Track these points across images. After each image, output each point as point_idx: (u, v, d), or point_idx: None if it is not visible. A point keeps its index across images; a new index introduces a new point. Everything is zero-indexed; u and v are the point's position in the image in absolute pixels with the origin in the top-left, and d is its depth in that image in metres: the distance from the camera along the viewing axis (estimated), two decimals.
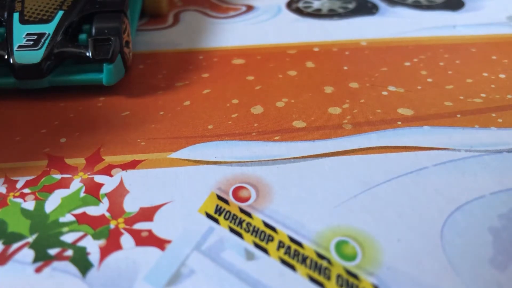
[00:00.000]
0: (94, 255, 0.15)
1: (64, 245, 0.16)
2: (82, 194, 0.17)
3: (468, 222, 0.16)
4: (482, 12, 0.31)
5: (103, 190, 0.18)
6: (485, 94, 0.22)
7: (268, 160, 0.19)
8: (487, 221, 0.16)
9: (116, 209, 0.17)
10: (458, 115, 0.21)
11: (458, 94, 0.23)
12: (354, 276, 0.15)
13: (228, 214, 0.17)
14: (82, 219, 0.17)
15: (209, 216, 0.17)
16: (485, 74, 0.24)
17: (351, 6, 0.32)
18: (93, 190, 0.18)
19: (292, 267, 0.15)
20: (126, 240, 0.16)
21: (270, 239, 0.16)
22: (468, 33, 0.28)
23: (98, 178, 0.18)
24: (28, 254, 0.15)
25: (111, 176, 0.18)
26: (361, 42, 0.28)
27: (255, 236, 0.16)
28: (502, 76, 0.24)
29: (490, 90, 0.23)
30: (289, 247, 0.16)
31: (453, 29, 0.29)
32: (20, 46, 0.21)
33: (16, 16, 0.23)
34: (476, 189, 0.17)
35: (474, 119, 0.21)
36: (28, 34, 0.22)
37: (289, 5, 0.32)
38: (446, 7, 0.32)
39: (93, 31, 0.22)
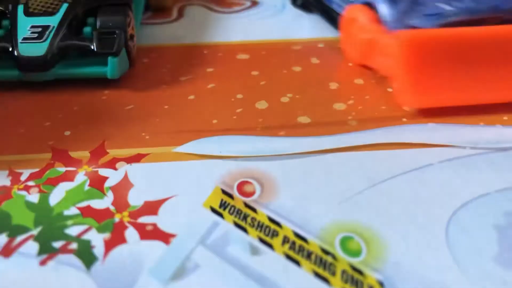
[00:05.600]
0: (98, 249, 0.15)
1: (69, 238, 0.16)
2: (86, 187, 0.17)
3: (473, 219, 0.16)
4: None
5: (107, 184, 0.18)
6: None
7: (272, 155, 0.19)
8: (492, 218, 0.16)
9: (120, 203, 0.17)
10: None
11: None
12: (359, 272, 0.15)
13: (232, 208, 0.17)
14: (87, 212, 0.17)
15: (213, 210, 0.17)
16: None
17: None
18: (97, 183, 0.18)
19: (297, 263, 0.15)
20: (131, 233, 0.16)
21: (275, 234, 0.16)
22: None
23: (103, 171, 0.18)
24: (32, 246, 0.15)
25: (116, 169, 0.18)
26: None
27: (260, 231, 0.16)
28: None
29: None
30: (294, 243, 0.16)
31: None
32: (24, 39, 0.21)
33: (20, 8, 0.23)
34: (481, 186, 0.17)
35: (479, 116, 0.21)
36: (32, 27, 0.22)
37: (293, 1, 0.32)
38: None
39: (98, 24, 0.22)
